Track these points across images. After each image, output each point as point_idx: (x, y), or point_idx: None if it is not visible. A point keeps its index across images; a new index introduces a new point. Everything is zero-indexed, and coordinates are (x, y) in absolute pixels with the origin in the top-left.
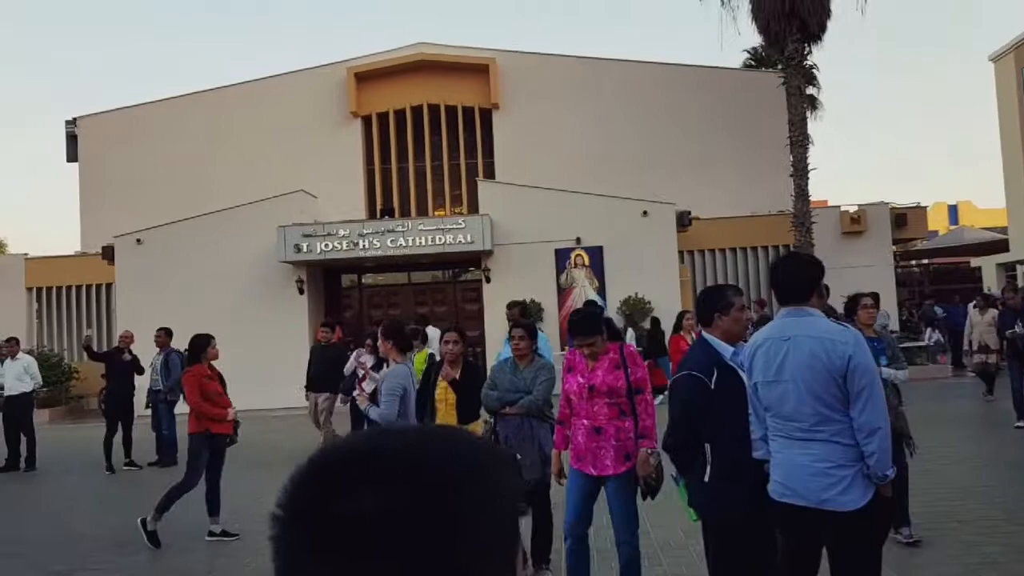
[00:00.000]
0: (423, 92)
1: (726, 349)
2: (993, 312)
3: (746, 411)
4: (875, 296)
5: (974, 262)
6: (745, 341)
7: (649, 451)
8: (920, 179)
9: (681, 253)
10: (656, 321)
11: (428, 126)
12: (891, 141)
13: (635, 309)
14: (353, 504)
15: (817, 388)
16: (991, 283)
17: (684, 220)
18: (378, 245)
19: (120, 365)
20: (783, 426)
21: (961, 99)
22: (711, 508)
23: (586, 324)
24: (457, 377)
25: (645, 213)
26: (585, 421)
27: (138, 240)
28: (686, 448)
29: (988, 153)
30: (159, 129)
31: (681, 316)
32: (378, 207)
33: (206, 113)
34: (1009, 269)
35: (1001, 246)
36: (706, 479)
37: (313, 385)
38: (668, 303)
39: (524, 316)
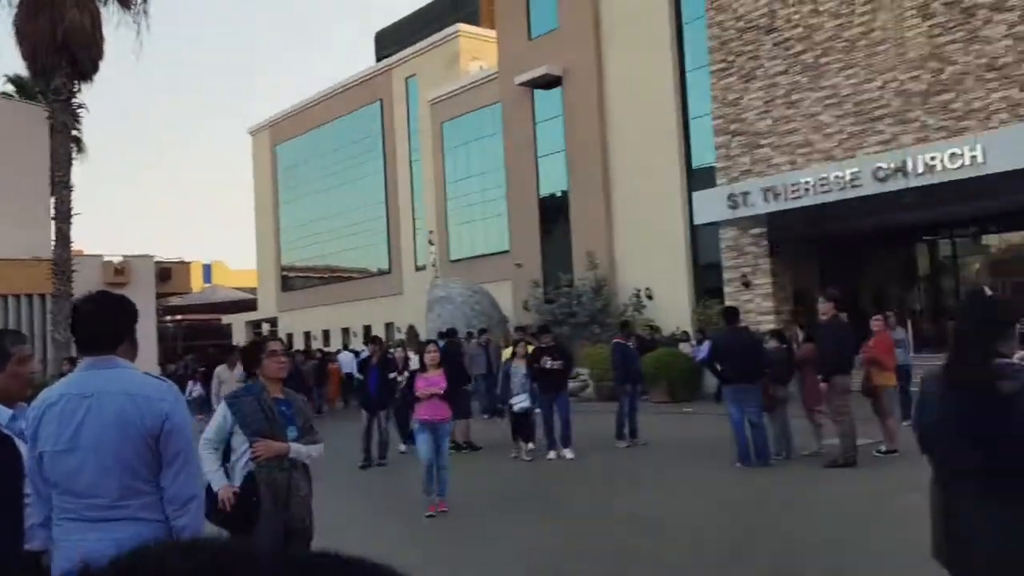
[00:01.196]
0: None
1: (3, 413)
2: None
3: (23, 492)
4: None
5: (225, 319)
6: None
7: None
8: (180, 236)
9: None
10: None
11: None
12: (155, 196)
13: None
14: None
15: (126, 454)
16: (241, 339)
17: None
18: None
19: None
20: (75, 505)
21: (225, 164)
22: None
23: None
24: None
25: None
26: None
27: None
28: None
29: (243, 218)
30: None
31: None
32: None
33: None
34: (256, 326)
35: (251, 305)
36: None
37: None
38: None
39: None
